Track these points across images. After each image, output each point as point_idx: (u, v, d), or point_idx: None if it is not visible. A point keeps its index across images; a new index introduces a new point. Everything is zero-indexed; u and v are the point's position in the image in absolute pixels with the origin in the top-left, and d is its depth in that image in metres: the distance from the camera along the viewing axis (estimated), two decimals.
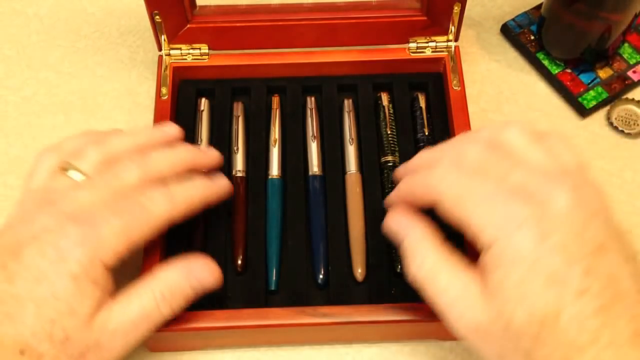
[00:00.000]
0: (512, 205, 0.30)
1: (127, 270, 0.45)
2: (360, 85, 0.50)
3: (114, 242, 0.34)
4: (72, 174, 0.36)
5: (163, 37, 0.48)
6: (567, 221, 0.30)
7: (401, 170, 0.40)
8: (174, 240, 0.43)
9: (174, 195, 0.37)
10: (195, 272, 0.36)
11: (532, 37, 0.55)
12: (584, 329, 0.28)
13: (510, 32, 0.55)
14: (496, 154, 0.33)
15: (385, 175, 0.46)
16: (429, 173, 0.34)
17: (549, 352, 0.29)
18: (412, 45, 0.49)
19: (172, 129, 0.41)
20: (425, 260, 0.33)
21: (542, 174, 0.32)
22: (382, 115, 0.48)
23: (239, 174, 0.46)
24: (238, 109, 0.49)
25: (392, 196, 0.38)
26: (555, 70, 0.53)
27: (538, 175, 0.31)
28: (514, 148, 0.33)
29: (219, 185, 0.41)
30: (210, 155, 0.42)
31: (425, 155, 0.37)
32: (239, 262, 0.43)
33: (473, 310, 0.31)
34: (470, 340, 0.32)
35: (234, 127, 0.48)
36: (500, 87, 0.54)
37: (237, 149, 0.47)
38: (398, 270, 0.42)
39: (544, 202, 0.30)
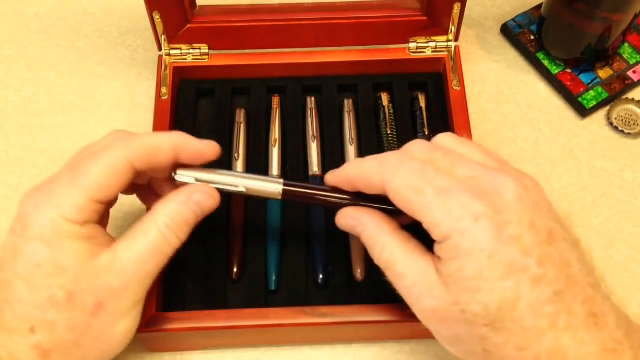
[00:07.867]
0: (467, 199, 0.31)
1: None
2: (360, 85, 0.50)
3: (69, 196, 0.33)
4: None
5: (163, 37, 0.48)
6: (519, 211, 0.31)
7: (330, 176, 0.38)
8: None
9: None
10: (194, 197, 0.36)
11: (532, 37, 0.55)
12: (541, 315, 0.30)
13: (510, 32, 0.55)
14: (439, 152, 0.34)
15: None
16: (380, 160, 0.35)
17: (506, 338, 0.30)
18: (412, 45, 0.49)
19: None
20: (385, 247, 0.34)
21: (484, 168, 0.33)
22: (382, 115, 0.48)
23: None
24: (240, 116, 0.48)
25: (336, 174, 0.37)
26: (555, 70, 0.53)
27: (481, 168, 0.33)
28: (450, 148, 0.35)
29: None
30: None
31: (369, 157, 0.36)
32: (235, 270, 0.43)
33: (430, 295, 0.32)
34: (428, 322, 0.34)
35: (235, 133, 0.48)
36: (500, 87, 0.54)
37: (238, 156, 0.47)
38: None
39: (494, 194, 0.31)
